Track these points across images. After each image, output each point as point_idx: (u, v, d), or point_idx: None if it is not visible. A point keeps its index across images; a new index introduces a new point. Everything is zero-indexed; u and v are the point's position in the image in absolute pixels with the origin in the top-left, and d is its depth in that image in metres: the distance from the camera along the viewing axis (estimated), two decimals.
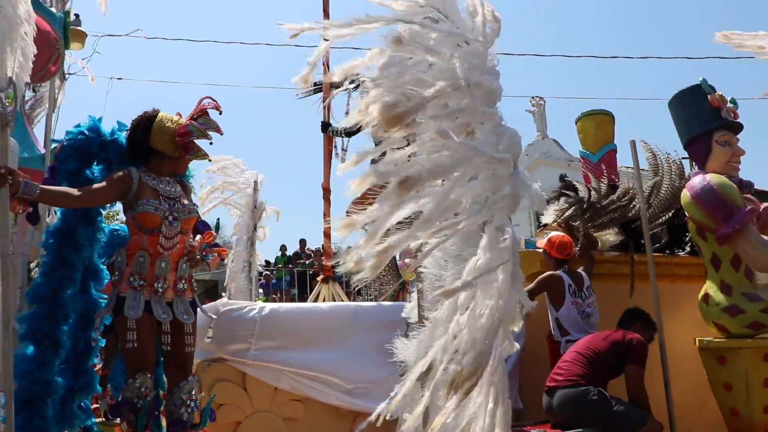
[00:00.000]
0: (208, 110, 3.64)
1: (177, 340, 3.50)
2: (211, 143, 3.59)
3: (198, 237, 3.65)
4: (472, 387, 2.28)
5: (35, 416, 3.32)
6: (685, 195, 4.73)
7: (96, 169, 3.62)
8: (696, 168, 5.01)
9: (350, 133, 5.43)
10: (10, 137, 4.05)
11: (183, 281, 3.56)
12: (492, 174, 2.53)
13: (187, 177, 3.81)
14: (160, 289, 3.46)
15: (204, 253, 3.61)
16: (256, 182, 6.34)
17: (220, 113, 3.63)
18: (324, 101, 5.95)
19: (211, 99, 3.66)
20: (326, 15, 6.28)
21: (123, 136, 3.66)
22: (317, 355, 4.23)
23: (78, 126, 3.64)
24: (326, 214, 5.87)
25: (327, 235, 5.85)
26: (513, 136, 2.52)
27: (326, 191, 5.97)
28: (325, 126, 5.73)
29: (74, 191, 3.40)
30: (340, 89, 5.86)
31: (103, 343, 3.90)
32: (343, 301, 5.62)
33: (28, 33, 3.16)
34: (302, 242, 15.64)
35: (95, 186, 3.46)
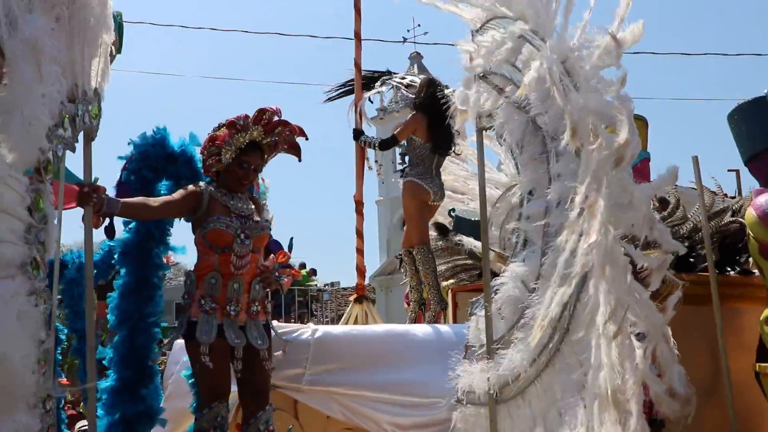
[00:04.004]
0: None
1: (252, 366, 3.66)
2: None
3: (271, 257, 3.82)
4: None
5: None
6: (751, 213, 5.03)
7: (165, 184, 3.76)
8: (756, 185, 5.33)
9: (385, 145, 5.55)
10: None
11: (256, 303, 3.72)
12: None
13: (259, 193, 3.98)
14: (233, 312, 3.61)
15: (277, 274, 3.78)
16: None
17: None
18: (356, 107, 6.04)
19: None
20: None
21: (193, 148, 3.82)
22: (374, 377, 4.41)
23: (143, 137, 3.77)
24: (359, 228, 6.00)
25: (360, 251, 6.00)
26: None
27: (359, 204, 6.05)
28: (358, 134, 5.84)
29: (152, 202, 3.56)
30: (372, 92, 6.08)
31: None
32: (377, 321, 5.78)
33: (109, 36, 3.26)
34: None
35: (170, 198, 3.63)
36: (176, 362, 4.73)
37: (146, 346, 3.73)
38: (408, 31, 25.58)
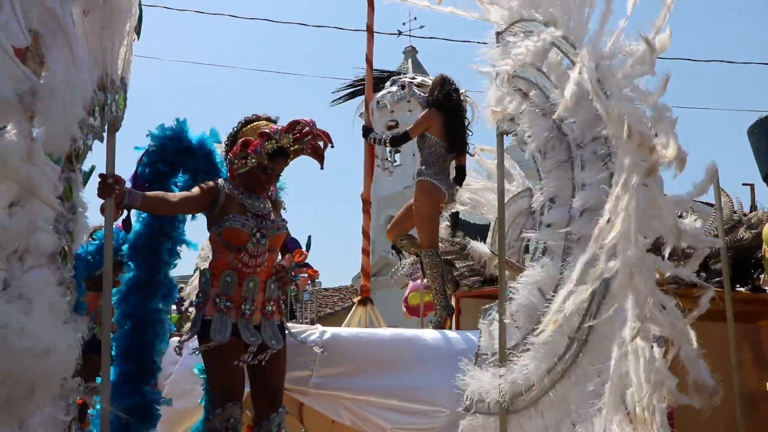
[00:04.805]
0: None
1: (266, 367, 3.67)
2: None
3: (287, 256, 3.82)
4: None
5: None
6: None
7: (181, 179, 3.75)
8: None
9: (396, 141, 5.57)
10: None
11: (271, 303, 3.73)
12: None
13: (277, 192, 3.98)
14: (248, 311, 3.63)
15: (293, 273, 3.78)
16: None
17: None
18: (366, 104, 6.04)
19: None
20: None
21: (212, 143, 3.81)
22: (381, 381, 4.42)
23: (161, 128, 3.76)
24: (366, 228, 6.01)
25: (366, 252, 6.00)
26: None
27: (366, 203, 6.07)
28: (367, 131, 5.85)
29: (171, 197, 3.59)
30: (383, 92, 6.08)
31: None
32: (381, 324, 5.79)
33: (132, 25, 3.25)
34: None
35: (188, 193, 3.65)
36: (173, 362, 4.70)
37: (151, 342, 3.72)
38: (404, 24, 25.02)
